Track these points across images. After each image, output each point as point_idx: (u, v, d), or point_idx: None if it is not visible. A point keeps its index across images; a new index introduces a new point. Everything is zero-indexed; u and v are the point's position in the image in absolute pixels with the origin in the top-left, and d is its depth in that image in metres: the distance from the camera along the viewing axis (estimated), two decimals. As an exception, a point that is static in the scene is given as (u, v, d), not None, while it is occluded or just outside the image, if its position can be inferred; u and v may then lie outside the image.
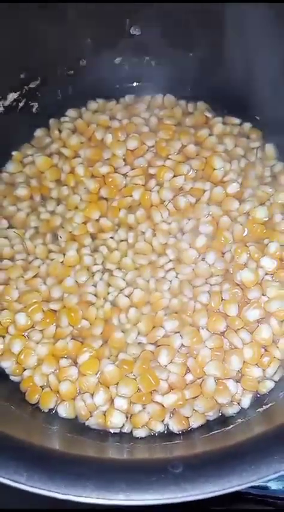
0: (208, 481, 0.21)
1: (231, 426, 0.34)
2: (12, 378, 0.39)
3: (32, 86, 0.46)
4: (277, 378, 0.38)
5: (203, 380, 0.37)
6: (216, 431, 0.34)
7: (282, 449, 0.23)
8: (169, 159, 0.46)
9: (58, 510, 0.52)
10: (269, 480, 0.43)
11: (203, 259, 0.42)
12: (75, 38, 0.44)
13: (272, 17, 0.40)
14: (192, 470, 0.22)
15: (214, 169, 0.45)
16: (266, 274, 0.40)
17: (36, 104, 0.47)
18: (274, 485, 0.43)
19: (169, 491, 0.21)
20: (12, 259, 0.43)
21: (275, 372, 0.37)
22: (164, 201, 0.44)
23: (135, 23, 0.44)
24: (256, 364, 0.37)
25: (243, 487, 0.22)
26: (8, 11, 0.40)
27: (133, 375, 0.37)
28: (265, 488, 0.43)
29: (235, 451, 0.24)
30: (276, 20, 0.40)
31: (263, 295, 0.39)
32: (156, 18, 0.43)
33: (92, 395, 0.37)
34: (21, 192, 0.46)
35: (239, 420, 0.35)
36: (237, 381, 0.37)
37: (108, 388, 0.37)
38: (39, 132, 0.49)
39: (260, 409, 0.35)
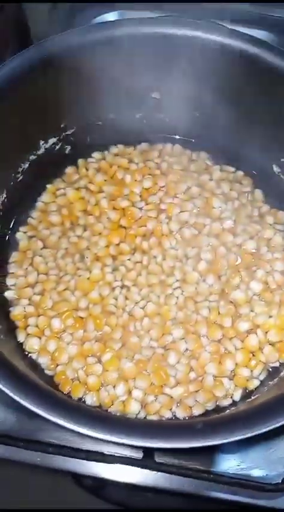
0: (220, 433, 0.31)
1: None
2: (46, 371, 0.47)
3: (68, 133, 0.55)
4: (262, 377, 0.46)
5: (203, 377, 0.46)
6: (213, 417, 0.43)
7: (262, 415, 0.33)
8: (176, 197, 0.55)
9: (58, 510, 0.57)
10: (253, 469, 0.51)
11: (204, 280, 0.50)
12: (108, 96, 0.53)
13: (264, 87, 0.50)
14: (210, 426, 0.31)
15: (213, 207, 0.54)
16: (254, 294, 0.50)
17: (69, 146, 0.57)
18: (256, 473, 0.51)
19: (196, 438, 0.30)
20: (46, 274, 0.51)
21: (260, 373, 0.46)
22: (172, 232, 0.53)
23: (157, 90, 0.55)
24: (246, 366, 0.46)
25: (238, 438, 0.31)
26: (49, 76, 0.49)
27: (147, 372, 0.46)
28: (248, 476, 0.50)
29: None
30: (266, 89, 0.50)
31: (251, 311, 0.49)
32: (172, 87, 0.54)
33: (114, 387, 0.45)
34: (54, 218, 0.54)
35: (231, 409, 0.44)
36: (230, 379, 0.46)
37: (127, 381, 0.45)
38: (69, 170, 0.57)
39: (248, 400, 0.44)
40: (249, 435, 0.31)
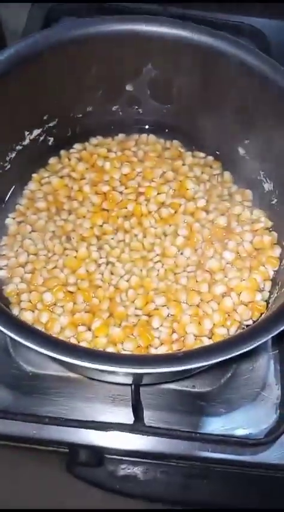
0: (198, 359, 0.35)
1: (206, 367, 0.48)
2: (41, 341, 0.50)
3: (51, 125, 0.59)
4: (237, 335, 0.52)
5: (185, 337, 0.50)
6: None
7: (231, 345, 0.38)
8: (153, 181, 0.60)
9: (58, 510, 0.60)
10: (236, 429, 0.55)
11: (181, 253, 0.55)
12: (87, 91, 0.58)
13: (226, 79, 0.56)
14: (188, 354, 0.36)
15: (187, 189, 0.59)
16: (227, 263, 0.55)
17: (52, 138, 0.61)
18: (240, 432, 0.55)
19: (176, 362, 0.35)
20: (36, 254, 0.55)
21: (236, 331, 0.51)
22: (151, 212, 0.58)
23: (130, 83, 0.60)
24: (222, 325, 0.51)
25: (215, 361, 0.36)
26: (35, 72, 0.54)
27: (134, 335, 0.50)
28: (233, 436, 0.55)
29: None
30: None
31: (225, 276, 0.53)
32: (144, 81, 0.60)
33: (104, 350, 0.49)
34: (41, 204, 0.58)
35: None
36: (209, 338, 0.51)
37: (116, 345, 0.49)
38: (52, 160, 0.62)
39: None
40: (223, 358, 0.36)
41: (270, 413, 0.55)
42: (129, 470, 0.56)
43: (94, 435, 0.53)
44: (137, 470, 0.56)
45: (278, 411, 0.55)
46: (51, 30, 0.53)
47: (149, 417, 0.53)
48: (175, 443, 0.53)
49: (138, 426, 0.52)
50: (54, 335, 0.50)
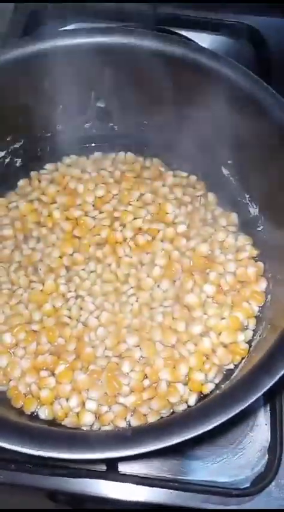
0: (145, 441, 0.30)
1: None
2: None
3: (16, 146, 0.55)
4: (217, 380, 0.47)
5: (157, 384, 0.45)
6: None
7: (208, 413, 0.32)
8: (130, 204, 0.55)
9: (58, 510, 0.56)
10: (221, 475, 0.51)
11: (158, 286, 0.50)
12: (52, 108, 0.53)
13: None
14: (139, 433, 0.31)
15: (167, 213, 0.55)
16: (207, 297, 0.50)
17: (20, 159, 0.57)
18: (222, 478, 0.51)
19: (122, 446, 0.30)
20: (-2, 288, 0.51)
21: (215, 376, 0.46)
22: (126, 239, 0.53)
23: (101, 99, 0.55)
24: (200, 370, 0.46)
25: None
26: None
27: (101, 382, 0.45)
28: (216, 482, 0.50)
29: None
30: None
31: (204, 314, 0.49)
32: (116, 96, 0.55)
33: (67, 399, 0.45)
34: (7, 232, 0.54)
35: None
36: (185, 384, 0.46)
37: (80, 393, 0.45)
38: (22, 183, 0.57)
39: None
40: (163, 446, 0.31)
41: (258, 457, 0.50)
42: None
43: (65, 481, 0.48)
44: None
45: (267, 456, 0.50)
46: (11, 45, 0.48)
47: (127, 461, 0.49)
48: (153, 491, 0.48)
49: (112, 473, 0.48)
50: (13, 381, 0.46)
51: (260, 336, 0.46)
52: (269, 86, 0.47)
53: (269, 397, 0.51)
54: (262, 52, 0.71)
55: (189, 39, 0.62)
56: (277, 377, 0.34)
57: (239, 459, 0.50)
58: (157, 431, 0.32)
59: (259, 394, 0.33)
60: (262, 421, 0.51)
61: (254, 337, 0.47)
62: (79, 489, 0.48)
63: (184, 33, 0.67)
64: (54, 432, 0.35)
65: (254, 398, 0.33)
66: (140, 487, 0.48)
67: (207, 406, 0.35)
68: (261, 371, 0.34)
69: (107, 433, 0.40)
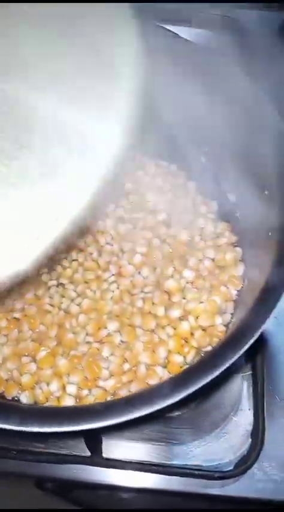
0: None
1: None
2: (-19, 374, 0.47)
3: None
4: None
5: (137, 367, 0.46)
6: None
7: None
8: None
9: (57, 510, 0.56)
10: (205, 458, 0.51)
11: (139, 273, 0.51)
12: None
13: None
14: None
15: (148, 201, 0.56)
16: (187, 282, 0.51)
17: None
18: (206, 462, 0.51)
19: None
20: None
21: (193, 358, 0.47)
22: (108, 228, 0.54)
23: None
24: (178, 353, 0.47)
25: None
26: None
27: (81, 366, 0.46)
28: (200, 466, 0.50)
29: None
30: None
31: (183, 298, 0.49)
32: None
33: (48, 384, 0.45)
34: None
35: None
36: (164, 367, 0.46)
37: (61, 378, 0.46)
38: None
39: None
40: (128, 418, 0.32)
41: (242, 441, 0.50)
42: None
43: (50, 467, 0.49)
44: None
45: (250, 440, 0.50)
46: None
47: (111, 446, 0.49)
48: (138, 475, 0.49)
49: (95, 459, 0.48)
50: (-5, 367, 0.46)
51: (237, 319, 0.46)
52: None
53: (253, 382, 0.52)
54: (243, 44, 0.72)
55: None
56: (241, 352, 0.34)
57: (223, 443, 0.50)
58: (127, 403, 0.33)
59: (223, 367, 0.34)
60: (246, 405, 0.52)
61: (232, 320, 0.48)
62: (66, 475, 0.49)
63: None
64: (24, 408, 0.36)
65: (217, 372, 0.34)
66: (124, 471, 0.48)
67: (175, 378, 0.36)
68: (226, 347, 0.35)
69: (76, 407, 0.40)
